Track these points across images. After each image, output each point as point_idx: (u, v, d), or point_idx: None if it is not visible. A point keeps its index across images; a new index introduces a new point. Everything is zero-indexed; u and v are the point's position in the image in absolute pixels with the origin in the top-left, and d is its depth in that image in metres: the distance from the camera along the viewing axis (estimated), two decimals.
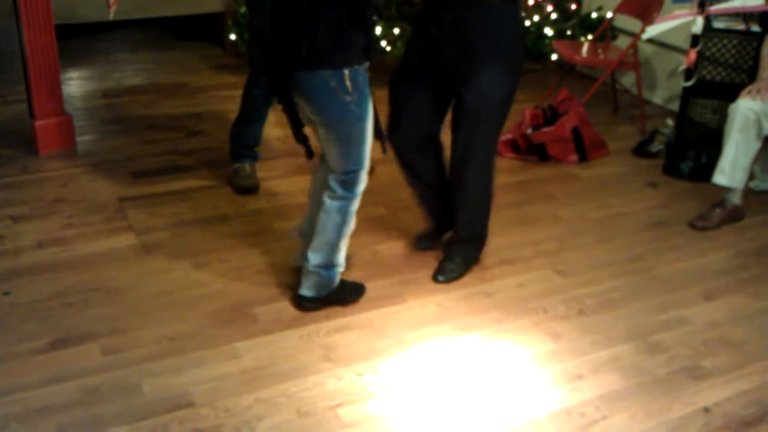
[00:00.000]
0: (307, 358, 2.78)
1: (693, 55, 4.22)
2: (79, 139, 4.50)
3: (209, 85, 5.62)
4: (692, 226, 3.81)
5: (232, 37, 5.53)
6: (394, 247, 3.48)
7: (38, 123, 4.27)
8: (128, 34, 6.76)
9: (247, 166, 4.06)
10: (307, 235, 3.04)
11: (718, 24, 4.29)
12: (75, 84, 5.55)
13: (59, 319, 2.93)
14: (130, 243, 3.47)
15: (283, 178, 4.15)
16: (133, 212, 3.73)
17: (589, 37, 5.39)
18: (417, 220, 3.75)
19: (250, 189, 4.01)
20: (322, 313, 3.01)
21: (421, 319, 3.03)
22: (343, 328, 2.94)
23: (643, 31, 4.69)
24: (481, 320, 3.03)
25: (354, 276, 3.22)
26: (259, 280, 3.23)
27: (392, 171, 4.15)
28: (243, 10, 5.40)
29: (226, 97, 5.37)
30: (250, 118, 4.00)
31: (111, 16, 4.30)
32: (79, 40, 6.30)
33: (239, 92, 5.46)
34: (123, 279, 3.20)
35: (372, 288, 3.18)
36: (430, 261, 3.38)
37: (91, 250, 3.40)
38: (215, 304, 3.06)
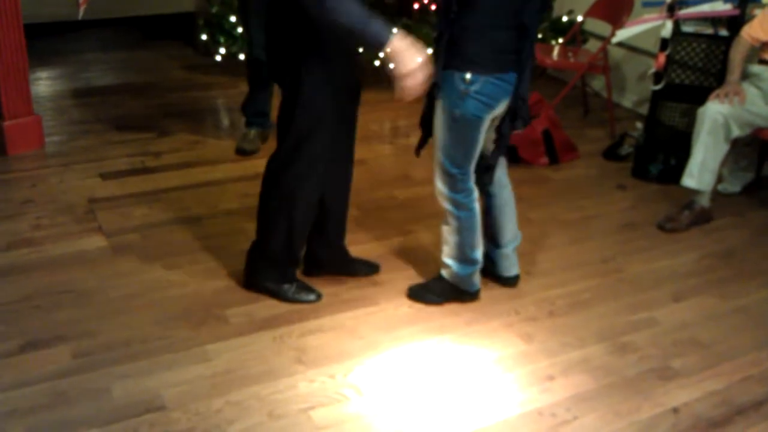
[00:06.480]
0: (279, 360, 2.77)
1: (662, 58, 4.27)
2: (48, 139, 4.46)
3: (180, 85, 5.59)
4: (661, 227, 3.85)
5: (203, 37, 5.50)
6: (366, 249, 3.48)
7: (6, 123, 4.22)
8: (98, 33, 6.70)
9: (252, 131, 4.50)
10: None
11: (687, 28, 4.33)
12: (44, 84, 5.49)
13: (28, 321, 2.90)
14: (100, 245, 3.44)
15: (256, 179, 4.13)
16: (102, 213, 3.70)
17: (560, 40, 5.43)
18: (389, 221, 3.76)
19: (244, 151, 4.43)
20: (295, 315, 3.01)
21: (393, 321, 3.03)
22: (315, 330, 2.94)
23: (612, 34, 4.73)
24: (452, 322, 3.04)
25: (326, 278, 3.22)
26: (231, 282, 3.21)
27: (364, 172, 4.16)
28: (215, 9, 5.38)
29: (197, 98, 5.35)
30: (254, 84, 4.41)
31: (80, 15, 4.28)
32: (48, 39, 6.23)
33: (210, 92, 5.49)
34: (93, 281, 3.17)
35: (344, 290, 3.18)
36: (403, 263, 3.39)
37: (61, 252, 3.37)
38: (186, 306, 3.04)
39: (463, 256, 3.04)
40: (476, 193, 2.96)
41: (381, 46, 2.49)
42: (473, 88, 2.73)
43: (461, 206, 2.94)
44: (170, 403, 2.53)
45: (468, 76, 2.72)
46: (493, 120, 2.86)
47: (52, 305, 3.01)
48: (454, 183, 2.90)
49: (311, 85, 2.70)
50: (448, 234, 3.02)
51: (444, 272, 3.13)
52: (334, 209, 3.12)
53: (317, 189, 2.96)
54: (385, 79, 5.44)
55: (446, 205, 2.97)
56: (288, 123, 2.83)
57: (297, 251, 3.07)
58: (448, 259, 3.08)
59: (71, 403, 2.51)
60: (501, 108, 2.82)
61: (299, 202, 2.94)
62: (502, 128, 2.88)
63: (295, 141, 2.84)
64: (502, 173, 3.10)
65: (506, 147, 2.97)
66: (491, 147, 2.95)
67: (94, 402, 2.52)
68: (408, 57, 2.50)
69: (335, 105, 2.79)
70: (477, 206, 2.98)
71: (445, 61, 2.76)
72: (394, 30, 2.50)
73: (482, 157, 2.94)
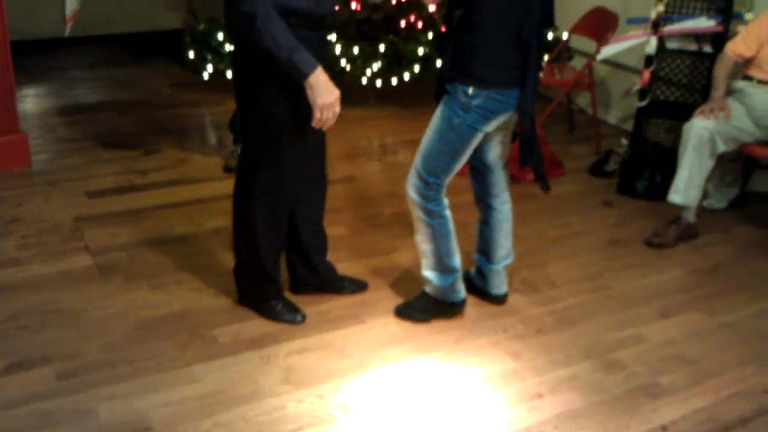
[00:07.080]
0: (267, 380, 2.76)
1: (647, 75, 4.30)
2: (34, 157, 4.44)
3: (167, 102, 5.59)
4: (648, 243, 3.86)
5: (191, 54, 5.51)
6: (354, 267, 3.48)
7: None
8: (85, 50, 6.69)
9: (239, 148, 4.40)
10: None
11: (672, 45, 4.37)
12: (31, 101, 5.48)
13: (13, 342, 2.88)
14: (86, 264, 3.43)
15: None
16: (89, 232, 3.69)
17: (546, 57, 5.46)
18: (377, 238, 3.76)
19: (231, 168, 4.43)
20: (282, 334, 3.00)
21: (381, 340, 3.03)
22: (302, 350, 2.93)
23: (597, 51, 4.76)
24: (440, 340, 3.04)
25: (314, 296, 3.22)
26: (218, 301, 3.20)
27: (353, 189, 4.17)
28: (202, 26, 5.38)
29: (184, 115, 5.35)
30: None
31: (67, 32, 4.28)
32: (35, 56, 6.23)
33: (198, 110, 5.49)
34: (79, 301, 3.16)
35: (332, 308, 3.18)
36: (391, 280, 3.39)
37: (47, 271, 3.35)
38: (173, 326, 3.03)
39: (442, 265, 3.04)
40: (446, 202, 2.97)
41: (303, 76, 2.57)
42: (475, 102, 2.78)
43: (433, 214, 2.95)
44: (158, 424, 2.51)
45: (470, 90, 2.77)
46: (486, 135, 2.89)
47: (38, 325, 2.99)
48: (428, 191, 2.92)
49: (269, 98, 2.72)
50: (423, 243, 3.03)
51: (426, 288, 3.13)
52: (309, 228, 3.12)
53: (280, 206, 2.95)
54: (371, 96, 5.49)
55: (419, 214, 2.97)
56: (247, 135, 2.88)
57: (269, 268, 3.04)
58: (427, 272, 3.08)
59: (57, 424, 2.49)
60: (498, 122, 2.86)
61: (261, 217, 2.94)
62: (522, 132, 2.93)
63: (254, 154, 2.87)
64: (504, 189, 3.12)
65: (533, 144, 3.00)
66: (502, 158, 3.09)
67: (80, 423, 2.50)
68: (327, 90, 2.61)
69: (295, 120, 2.78)
70: (449, 213, 2.99)
71: (449, 76, 2.81)
72: (317, 64, 2.58)
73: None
